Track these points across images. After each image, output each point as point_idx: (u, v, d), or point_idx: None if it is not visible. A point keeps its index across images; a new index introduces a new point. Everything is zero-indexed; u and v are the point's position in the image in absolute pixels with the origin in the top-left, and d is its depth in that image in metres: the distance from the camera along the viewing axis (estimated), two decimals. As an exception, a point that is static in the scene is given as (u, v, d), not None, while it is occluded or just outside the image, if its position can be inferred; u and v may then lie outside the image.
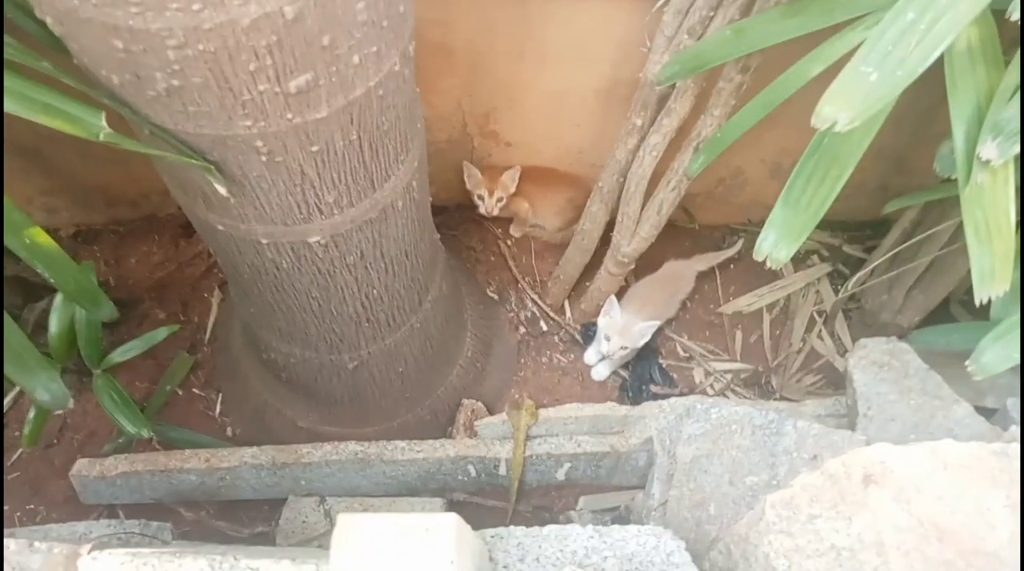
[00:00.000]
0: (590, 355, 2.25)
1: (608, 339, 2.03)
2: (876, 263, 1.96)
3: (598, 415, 1.83)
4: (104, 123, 0.89)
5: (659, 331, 2.33)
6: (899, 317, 2.07)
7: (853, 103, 1.00)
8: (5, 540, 0.78)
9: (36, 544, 0.78)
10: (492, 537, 1.02)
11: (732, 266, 2.50)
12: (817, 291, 2.46)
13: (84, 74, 0.96)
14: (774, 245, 1.25)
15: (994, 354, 1.18)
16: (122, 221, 2.36)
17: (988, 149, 1.06)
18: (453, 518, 0.78)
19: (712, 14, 1.48)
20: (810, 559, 0.93)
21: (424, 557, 0.74)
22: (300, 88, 0.93)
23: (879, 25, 1.00)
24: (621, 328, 2.01)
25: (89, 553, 0.77)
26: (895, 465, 0.99)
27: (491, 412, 2.03)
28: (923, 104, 1.96)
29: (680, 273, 2.32)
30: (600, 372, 2.24)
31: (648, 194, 1.86)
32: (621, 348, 2.03)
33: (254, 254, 1.26)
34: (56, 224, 2.33)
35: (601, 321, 2.06)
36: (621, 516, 1.85)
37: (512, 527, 1.05)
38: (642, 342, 2.06)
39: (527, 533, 1.04)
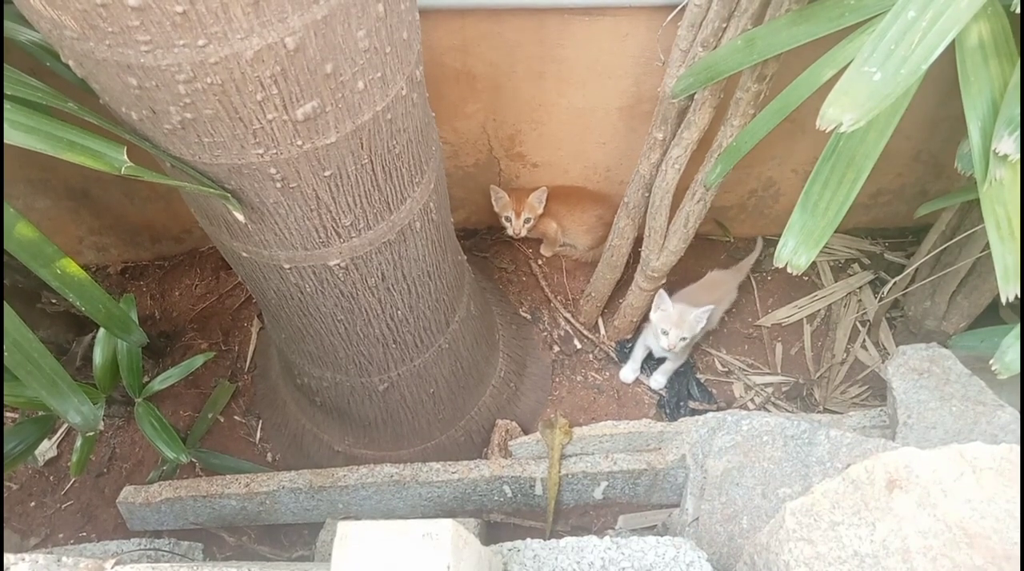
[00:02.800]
0: (627, 373, 2.24)
1: (666, 333, 1.97)
2: (915, 266, 1.91)
3: (633, 432, 1.81)
4: (125, 157, 0.94)
5: (696, 346, 2.30)
6: (944, 324, 2.01)
7: (857, 103, 0.98)
8: (34, 555, 0.82)
9: (64, 559, 0.82)
10: (509, 550, 1.02)
11: (770, 278, 2.47)
12: (859, 300, 2.40)
13: (108, 112, 1.01)
14: (793, 251, 1.24)
15: (1018, 352, 1.14)
16: (167, 256, 2.46)
17: (1004, 144, 1.04)
18: (450, 524, 0.79)
19: (725, 25, 1.49)
20: (832, 566, 0.91)
21: (421, 562, 0.75)
22: (307, 115, 0.97)
23: (880, 25, 0.99)
24: (677, 319, 1.96)
25: (112, 568, 0.80)
26: (920, 469, 0.96)
27: (527, 432, 2.03)
28: (959, 107, 1.92)
29: (722, 281, 2.29)
30: (658, 380, 2.22)
31: (674, 207, 1.85)
32: (681, 339, 1.96)
33: (278, 279, 1.30)
34: (105, 261, 2.43)
35: (654, 315, 2.01)
36: (658, 534, 1.83)
37: (529, 540, 1.05)
38: (699, 328, 1.99)
39: (544, 545, 1.03)
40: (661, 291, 1.99)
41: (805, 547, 0.93)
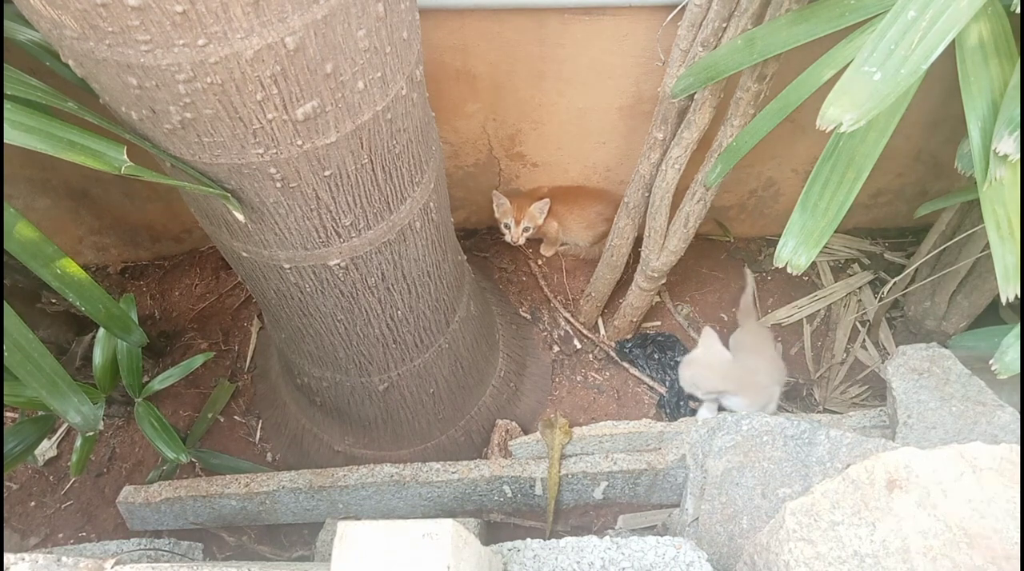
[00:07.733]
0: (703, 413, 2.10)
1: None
2: (915, 266, 1.91)
3: (633, 432, 1.81)
4: (125, 157, 0.94)
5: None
6: (944, 324, 2.01)
7: (857, 103, 0.98)
8: (34, 555, 0.82)
9: (64, 559, 0.82)
10: (509, 550, 1.02)
11: (769, 278, 2.47)
12: (859, 300, 2.40)
13: (108, 112, 1.01)
14: (793, 251, 1.24)
15: (1018, 352, 1.14)
16: (167, 256, 2.46)
17: (1005, 144, 1.04)
18: (450, 524, 0.79)
19: (725, 25, 1.49)
20: (832, 566, 0.91)
21: (421, 562, 0.75)
22: (307, 115, 0.97)
23: (880, 25, 0.99)
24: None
25: (112, 568, 0.80)
26: (920, 469, 0.96)
27: (527, 432, 2.03)
28: (959, 107, 1.93)
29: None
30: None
31: (674, 207, 1.85)
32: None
33: (278, 279, 1.30)
34: (105, 261, 2.43)
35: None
36: (658, 534, 1.82)
37: (529, 539, 1.05)
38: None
39: (544, 545, 1.04)
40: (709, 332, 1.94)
41: (805, 547, 0.93)
